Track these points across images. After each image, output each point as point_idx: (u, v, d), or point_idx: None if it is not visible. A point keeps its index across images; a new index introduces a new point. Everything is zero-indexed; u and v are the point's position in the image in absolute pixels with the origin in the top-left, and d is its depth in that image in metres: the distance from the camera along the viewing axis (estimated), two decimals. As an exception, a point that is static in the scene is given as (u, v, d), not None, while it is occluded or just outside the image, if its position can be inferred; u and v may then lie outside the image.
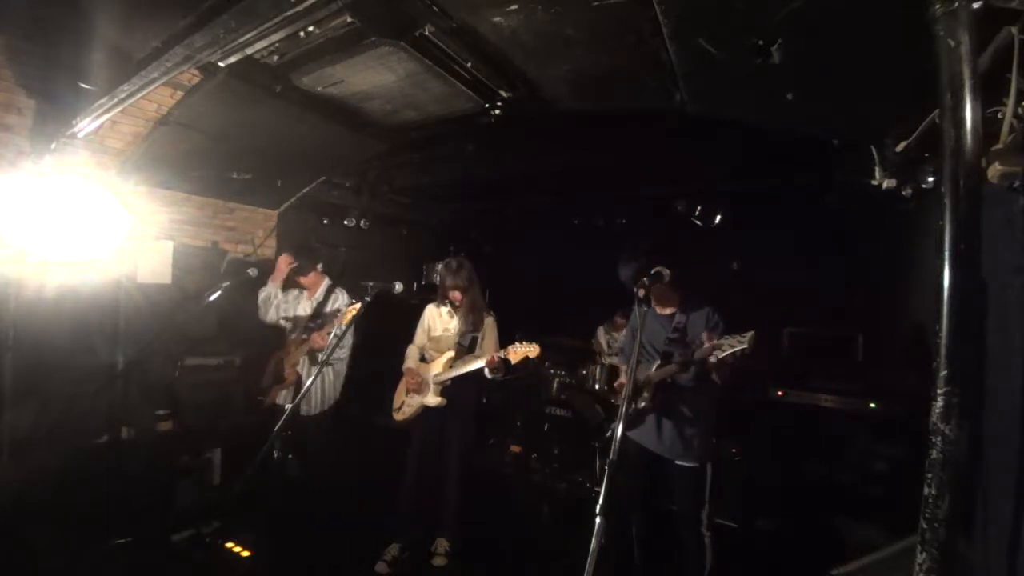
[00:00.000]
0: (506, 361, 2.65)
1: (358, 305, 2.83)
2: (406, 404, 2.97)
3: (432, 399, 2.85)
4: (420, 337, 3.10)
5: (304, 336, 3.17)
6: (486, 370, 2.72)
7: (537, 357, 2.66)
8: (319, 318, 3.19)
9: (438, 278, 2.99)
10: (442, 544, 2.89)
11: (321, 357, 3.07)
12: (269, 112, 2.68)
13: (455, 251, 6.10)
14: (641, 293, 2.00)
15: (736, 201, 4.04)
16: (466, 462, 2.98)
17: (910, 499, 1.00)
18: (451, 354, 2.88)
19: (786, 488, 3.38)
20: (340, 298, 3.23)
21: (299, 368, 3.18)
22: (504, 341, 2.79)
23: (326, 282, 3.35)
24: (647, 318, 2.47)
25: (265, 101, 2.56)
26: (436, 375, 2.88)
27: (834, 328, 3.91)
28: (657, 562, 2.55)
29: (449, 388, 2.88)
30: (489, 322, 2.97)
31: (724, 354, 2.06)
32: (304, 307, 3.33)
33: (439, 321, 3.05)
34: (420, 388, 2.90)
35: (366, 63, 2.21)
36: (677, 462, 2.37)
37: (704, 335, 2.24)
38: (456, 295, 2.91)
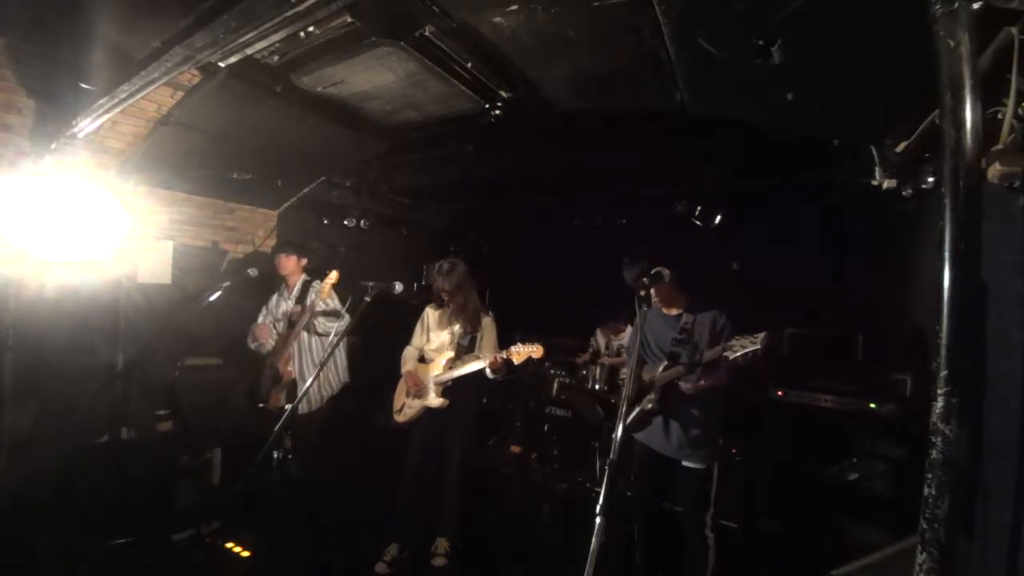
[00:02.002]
0: (509, 362, 2.64)
1: (333, 274, 2.84)
2: (407, 406, 2.96)
3: (434, 400, 2.84)
4: (419, 338, 3.10)
5: (289, 330, 3.19)
6: (488, 371, 2.71)
7: (541, 357, 2.64)
8: (295, 311, 3.25)
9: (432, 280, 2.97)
10: (442, 544, 2.89)
11: (319, 358, 3.09)
12: (269, 112, 2.68)
13: (455, 251, 6.09)
14: (642, 293, 2.00)
15: (736, 201, 4.04)
16: (467, 462, 2.96)
17: (910, 499, 1.00)
18: (451, 354, 2.87)
19: (786, 488, 3.38)
20: (316, 289, 3.25)
21: (290, 366, 3.19)
22: (504, 342, 2.79)
23: (303, 277, 3.39)
24: (654, 319, 2.48)
25: (265, 101, 2.56)
26: (437, 376, 2.87)
27: (834, 328, 3.90)
28: (659, 562, 2.54)
29: (450, 388, 2.88)
30: (487, 322, 2.95)
31: (736, 355, 2.05)
32: (284, 304, 3.38)
33: (438, 323, 3.04)
34: (421, 392, 2.90)
35: (366, 63, 2.21)
36: (684, 463, 2.37)
37: (707, 338, 2.25)
38: (447, 297, 2.90)
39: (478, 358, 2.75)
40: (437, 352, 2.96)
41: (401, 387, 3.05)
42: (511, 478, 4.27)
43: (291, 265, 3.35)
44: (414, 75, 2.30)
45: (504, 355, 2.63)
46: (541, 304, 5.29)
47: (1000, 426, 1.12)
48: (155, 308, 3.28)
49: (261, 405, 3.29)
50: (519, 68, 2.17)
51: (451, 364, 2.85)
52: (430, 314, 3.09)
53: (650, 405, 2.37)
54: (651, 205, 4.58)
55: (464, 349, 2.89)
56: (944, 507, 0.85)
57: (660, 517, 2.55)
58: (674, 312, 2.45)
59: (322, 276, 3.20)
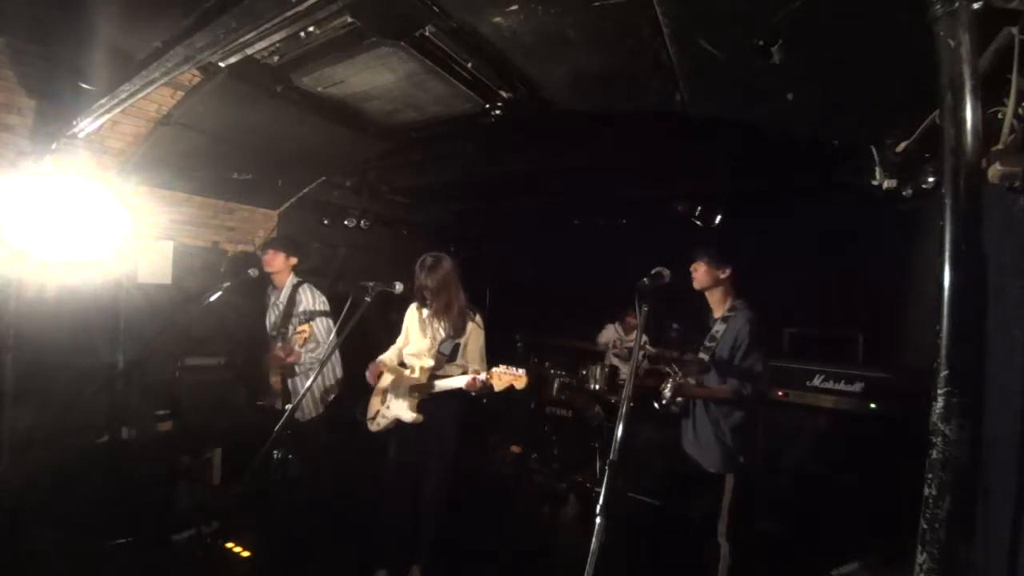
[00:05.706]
0: (488, 386, 2.38)
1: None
2: (381, 415, 2.71)
3: (407, 414, 2.54)
4: (401, 340, 2.84)
5: (278, 343, 3.06)
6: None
7: (525, 387, 2.36)
8: (285, 325, 3.08)
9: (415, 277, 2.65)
10: (416, 572, 2.67)
11: (298, 369, 3.03)
12: (269, 112, 2.68)
13: (455, 251, 6.10)
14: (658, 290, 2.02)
15: (736, 201, 4.04)
16: (446, 486, 2.65)
17: (910, 500, 1.00)
18: (430, 363, 2.56)
19: (786, 489, 3.38)
20: (306, 298, 3.11)
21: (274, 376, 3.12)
22: (502, 343, 2.73)
23: (291, 279, 3.19)
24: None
25: (265, 101, 2.56)
26: (413, 385, 2.58)
27: (834, 328, 3.90)
28: (659, 564, 2.55)
29: (427, 404, 2.56)
30: (472, 327, 2.63)
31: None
32: (274, 310, 3.22)
33: (419, 324, 2.74)
34: (383, 391, 2.65)
35: (366, 63, 2.21)
36: (702, 466, 2.42)
37: (726, 355, 2.33)
38: (429, 296, 2.59)
39: (462, 370, 2.50)
40: (416, 358, 2.64)
41: (376, 394, 2.80)
42: (511, 478, 4.27)
43: (278, 262, 3.15)
44: (414, 75, 2.30)
45: (484, 377, 2.37)
46: (541, 304, 5.29)
47: (1000, 426, 1.12)
48: (155, 308, 3.27)
49: (259, 403, 3.23)
50: (519, 68, 2.17)
51: (430, 375, 2.55)
52: (412, 313, 2.80)
53: (672, 406, 2.41)
54: (651, 205, 4.59)
55: (445, 358, 2.60)
56: (944, 507, 0.85)
57: (663, 520, 2.56)
58: (716, 315, 2.46)
59: (318, 276, 3.10)
